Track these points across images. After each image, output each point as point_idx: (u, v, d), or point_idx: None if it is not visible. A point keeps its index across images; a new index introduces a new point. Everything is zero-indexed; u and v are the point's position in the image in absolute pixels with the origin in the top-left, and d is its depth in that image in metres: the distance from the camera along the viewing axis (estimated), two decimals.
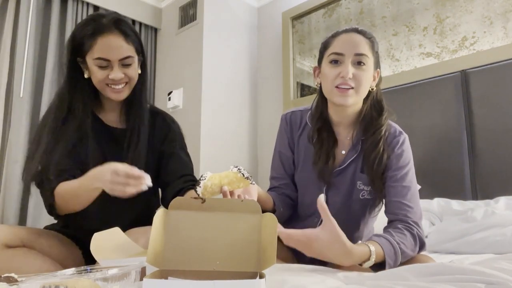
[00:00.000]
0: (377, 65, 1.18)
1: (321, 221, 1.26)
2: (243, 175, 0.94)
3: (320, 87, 1.21)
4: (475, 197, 1.95)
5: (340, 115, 1.22)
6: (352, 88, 1.11)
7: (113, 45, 1.15)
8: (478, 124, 2.00)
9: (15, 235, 1.09)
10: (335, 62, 1.13)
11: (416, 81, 2.25)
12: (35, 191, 1.20)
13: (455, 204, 1.86)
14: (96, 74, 1.17)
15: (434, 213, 1.90)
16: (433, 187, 2.05)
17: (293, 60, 2.98)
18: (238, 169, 0.95)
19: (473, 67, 2.06)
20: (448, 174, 2.05)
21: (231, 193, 0.95)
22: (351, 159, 1.20)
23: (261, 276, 0.65)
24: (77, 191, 1.08)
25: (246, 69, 3.22)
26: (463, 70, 2.09)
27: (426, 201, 1.98)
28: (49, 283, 0.57)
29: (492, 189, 1.89)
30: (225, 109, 3.03)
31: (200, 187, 0.91)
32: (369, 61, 1.12)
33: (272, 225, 0.74)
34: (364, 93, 1.16)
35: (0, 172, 2.51)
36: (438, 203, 1.92)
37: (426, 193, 2.09)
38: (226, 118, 3.02)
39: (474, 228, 1.61)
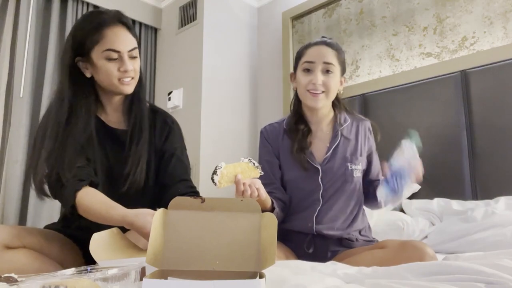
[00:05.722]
0: (343, 72, 1.40)
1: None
2: (254, 165, 1.06)
3: (296, 90, 1.44)
4: (475, 197, 1.95)
5: (313, 115, 1.43)
6: (323, 92, 1.35)
7: (121, 36, 1.17)
8: (478, 124, 2.00)
9: (15, 236, 1.09)
10: (307, 70, 1.36)
11: (416, 81, 2.24)
12: (34, 193, 1.19)
13: (455, 204, 1.86)
14: (105, 68, 1.16)
15: (434, 213, 1.90)
16: (433, 187, 2.04)
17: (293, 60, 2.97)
18: (249, 159, 1.06)
19: (473, 67, 2.05)
20: (448, 174, 2.04)
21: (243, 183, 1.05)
22: (335, 145, 1.38)
23: (261, 276, 0.65)
24: (101, 214, 1.05)
25: (246, 69, 3.22)
26: (463, 70, 2.08)
27: (426, 201, 1.98)
28: (49, 283, 0.58)
29: (492, 189, 1.89)
30: (225, 109, 3.02)
31: (217, 175, 1.00)
32: (335, 69, 1.36)
33: (272, 225, 0.74)
34: (333, 96, 1.39)
35: (0, 172, 2.51)
36: (438, 203, 1.92)
37: (426, 193, 2.09)
38: (226, 118, 3.02)
39: (474, 228, 1.61)
